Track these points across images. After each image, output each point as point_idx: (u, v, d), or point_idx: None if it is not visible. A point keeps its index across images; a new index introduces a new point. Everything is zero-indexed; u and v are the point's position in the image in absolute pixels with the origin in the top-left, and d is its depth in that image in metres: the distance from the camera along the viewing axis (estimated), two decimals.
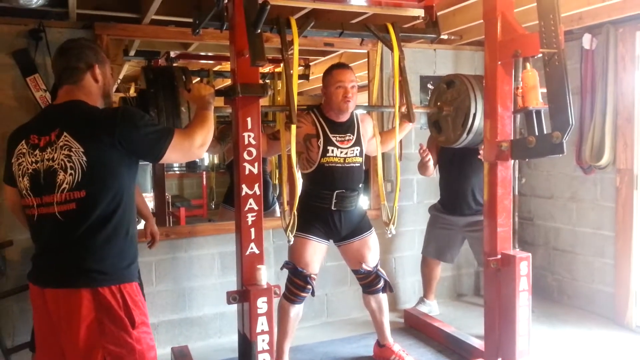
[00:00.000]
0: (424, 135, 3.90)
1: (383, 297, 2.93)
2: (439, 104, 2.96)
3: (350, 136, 2.73)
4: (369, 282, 2.87)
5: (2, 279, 2.77)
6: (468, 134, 2.78)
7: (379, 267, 2.87)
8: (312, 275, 2.69)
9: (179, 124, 2.17)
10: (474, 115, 2.73)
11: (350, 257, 2.86)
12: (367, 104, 3.78)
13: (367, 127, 2.87)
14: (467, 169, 3.32)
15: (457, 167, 3.37)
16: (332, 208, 2.70)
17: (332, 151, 2.68)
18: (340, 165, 2.70)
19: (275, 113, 4.31)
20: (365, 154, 2.85)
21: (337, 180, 2.70)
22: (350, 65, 4.52)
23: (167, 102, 2.18)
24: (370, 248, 2.83)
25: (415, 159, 3.85)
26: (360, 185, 2.82)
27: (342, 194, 2.70)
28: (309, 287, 2.68)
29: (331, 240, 2.81)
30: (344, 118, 2.75)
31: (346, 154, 2.71)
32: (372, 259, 2.83)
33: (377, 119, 2.97)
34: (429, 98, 3.86)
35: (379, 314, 2.95)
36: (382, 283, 2.87)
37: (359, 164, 2.77)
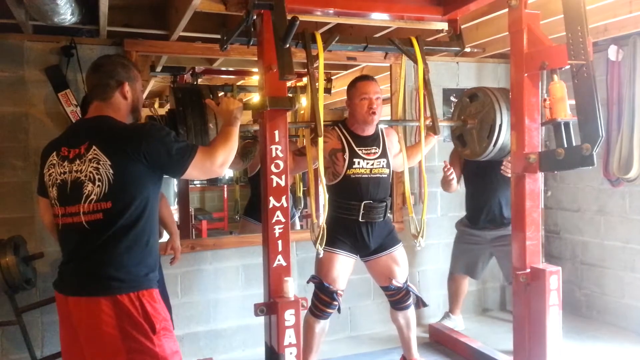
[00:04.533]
0: (447, 148, 3.89)
1: (411, 313, 2.88)
2: (462, 117, 2.95)
3: (376, 149, 2.73)
4: (399, 299, 2.81)
5: (32, 291, 2.82)
6: (494, 146, 2.76)
7: (408, 282, 2.82)
8: (338, 292, 2.65)
9: (207, 141, 2.20)
10: (500, 127, 2.71)
11: (379, 273, 2.81)
12: (389, 118, 3.79)
13: (393, 141, 2.85)
14: (492, 182, 3.29)
15: (482, 180, 3.34)
16: (360, 220, 2.67)
17: (358, 163, 2.67)
18: (366, 176, 2.68)
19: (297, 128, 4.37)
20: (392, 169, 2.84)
21: (364, 191, 2.68)
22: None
23: (195, 119, 2.21)
24: (399, 263, 2.79)
25: (438, 171, 3.83)
26: (388, 197, 2.80)
27: (369, 205, 2.67)
28: (335, 303, 2.64)
29: (358, 256, 2.78)
30: (369, 132, 2.74)
31: (372, 165, 2.69)
32: (401, 275, 2.78)
33: (401, 132, 2.97)
34: (451, 112, 3.87)
35: (407, 330, 2.90)
36: (411, 299, 2.82)
37: (386, 175, 2.76)
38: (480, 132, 2.85)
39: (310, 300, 2.68)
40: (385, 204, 2.75)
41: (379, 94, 2.69)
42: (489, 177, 3.28)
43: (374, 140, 2.75)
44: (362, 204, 2.66)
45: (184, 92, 2.34)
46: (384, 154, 2.74)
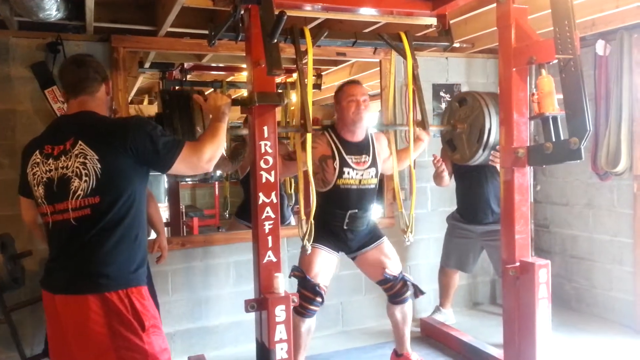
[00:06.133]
0: (436, 143, 3.89)
1: (408, 308, 2.86)
2: (452, 121, 2.97)
3: (366, 157, 2.74)
4: (397, 291, 2.79)
5: (21, 289, 2.79)
6: (484, 150, 2.79)
7: (404, 273, 2.83)
8: (320, 285, 2.64)
9: None
10: (489, 131, 2.72)
11: (370, 267, 2.82)
12: (381, 122, 3.80)
13: (383, 146, 2.87)
14: (481, 178, 3.31)
15: (471, 176, 3.34)
16: (344, 227, 2.72)
17: (348, 172, 2.68)
18: (355, 187, 2.71)
19: (286, 122, 4.37)
20: (381, 173, 2.84)
21: (351, 201, 2.72)
22: (362, 74, 4.56)
23: (182, 122, 2.17)
24: (388, 255, 2.80)
25: (428, 166, 3.84)
26: (372, 205, 2.83)
27: (354, 214, 2.72)
28: (319, 299, 2.61)
29: (342, 253, 2.80)
30: (359, 137, 2.75)
31: (362, 175, 2.71)
32: (393, 266, 2.79)
33: (391, 132, 2.97)
34: (441, 106, 3.89)
35: (402, 325, 2.89)
36: (410, 291, 2.80)
37: (373, 186, 2.79)
38: (470, 136, 2.87)
39: None
40: (369, 212, 2.79)
41: (366, 96, 2.71)
42: (478, 174, 3.30)
43: (364, 147, 2.75)
44: (348, 213, 2.70)
45: (171, 95, 2.31)
46: (373, 163, 2.76)
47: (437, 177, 3.25)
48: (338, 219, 2.71)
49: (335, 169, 2.66)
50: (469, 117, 2.86)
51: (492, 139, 2.73)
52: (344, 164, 2.67)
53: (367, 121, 2.72)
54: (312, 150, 2.44)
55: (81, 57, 1.87)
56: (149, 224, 2.72)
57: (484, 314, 3.96)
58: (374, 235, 2.82)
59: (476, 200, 3.38)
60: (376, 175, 2.77)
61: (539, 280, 2.33)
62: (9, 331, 2.62)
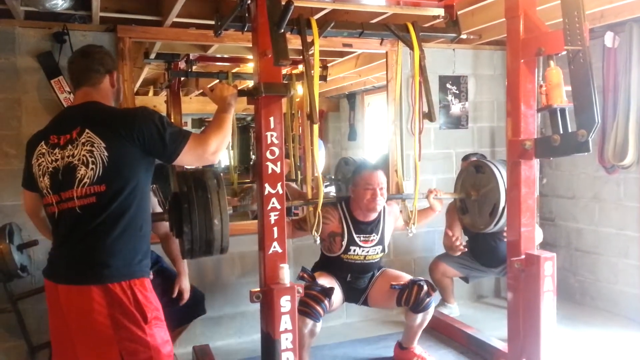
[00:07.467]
0: (443, 136, 3.89)
1: (430, 312, 2.80)
2: (467, 189, 2.99)
3: (374, 236, 2.82)
4: (415, 299, 2.70)
5: (28, 278, 2.81)
6: (496, 224, 2.80)
7: (413, 278, 2.81)
8: (329, 289, 2.64)
9: (212, 236, 2.10)
10: (503, 209, 2.71)
11: (381, 298, 2.87)
12: (386, 104, 3.77)
13: (394, 214, 2.94)
14: (496, 235, 3.27)
15: (481, 234, 3.29)
16: (346, 281, 2.86)
17: (354, 250, 2.78)
18: (359, 262, 2.81)
19: (291, 114, 4.36)
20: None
21: (354, 271, 2.85)
22: (368, 66, 4.53)
23: (200, 216, 2.07)
24: (393, 274, 2.88)
25: (433, 159, 3.85)
26: (376, 269, 2.93)
27: (356, 276, 2.86)
28: (326, 302, 2.57)
29: (345, 303, 2.93)
30: (371, 218, 2.82)
31: (367, 252, 2.81)
32: (402, 279, 2.82)
33: (397, 119, 2.96)
34: (449, 97, 3.86)
35: (418, 328, 2.86)
36: (429, 295, 2.72)
37: (378, 259, 2.88)
38: (483, 206, 2.88)
39: (298, 299, 2.58)
40: (372, 273, 2.89)
41: (383, 184, 2.76)
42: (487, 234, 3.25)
43: (375, 226, 2.83)
44: (349, 275, 2.85)
45: (188, 181, 2.14)
46: (381, 241, 2.83)
47: (451, 251, 3.22)
48: (342, 274, 2.85)
49: (342, 245, 2.77)
50: (484, 187, 2.86)
51: (505, 216, 2.68)
52: (351, 242, 2.78)
53: (382, 207, 2.80)
54: (323, 226, 2.54)
55: (88, 48, 1.88)
56: (170, 259, 2.70)
57: (488, 307, 3.96)
58: (374, 273, 2.92)
59: (487, 252, 3.42)
60: (382, 251, 2.87)
61: (544, 273, 2.32)
62: (16, 320, 2.64)
